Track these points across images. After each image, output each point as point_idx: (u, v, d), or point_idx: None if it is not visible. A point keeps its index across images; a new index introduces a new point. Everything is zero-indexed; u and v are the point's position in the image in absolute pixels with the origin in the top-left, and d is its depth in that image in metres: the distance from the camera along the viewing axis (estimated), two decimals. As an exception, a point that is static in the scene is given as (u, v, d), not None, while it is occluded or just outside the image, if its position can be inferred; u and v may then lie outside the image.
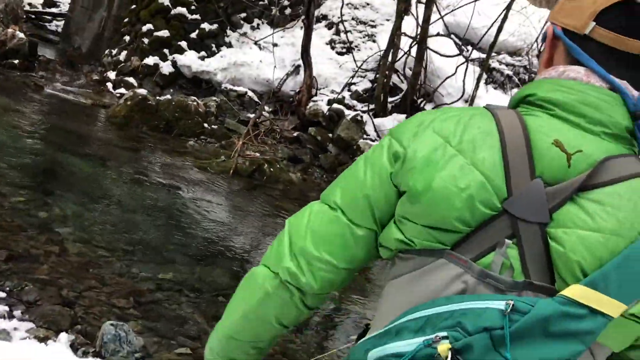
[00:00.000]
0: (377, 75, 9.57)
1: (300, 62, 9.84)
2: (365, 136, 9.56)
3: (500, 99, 9.58)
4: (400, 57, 9.59)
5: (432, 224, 0.90)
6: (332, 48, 10.69)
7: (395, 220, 0.96)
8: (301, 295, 1.04)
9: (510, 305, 0.80)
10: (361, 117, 9.37)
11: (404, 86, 9.61)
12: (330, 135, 9.48)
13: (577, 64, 0.94)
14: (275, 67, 9.93)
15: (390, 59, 9.28)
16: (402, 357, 0.84)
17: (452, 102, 9.18)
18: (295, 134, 9.55)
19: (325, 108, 9.54)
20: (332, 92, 9.94)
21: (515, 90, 9.67)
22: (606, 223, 0.85)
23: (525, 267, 0.86)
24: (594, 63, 0.92)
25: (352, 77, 9.93)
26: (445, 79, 9.28)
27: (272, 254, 1.08)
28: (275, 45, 10.37)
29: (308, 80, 9.64)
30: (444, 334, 0.82)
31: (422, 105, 9.52)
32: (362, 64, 9.91)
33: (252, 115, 9.41)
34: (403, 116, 9.35)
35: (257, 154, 8.26)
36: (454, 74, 9.10)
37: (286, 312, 1.06)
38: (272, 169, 8.01)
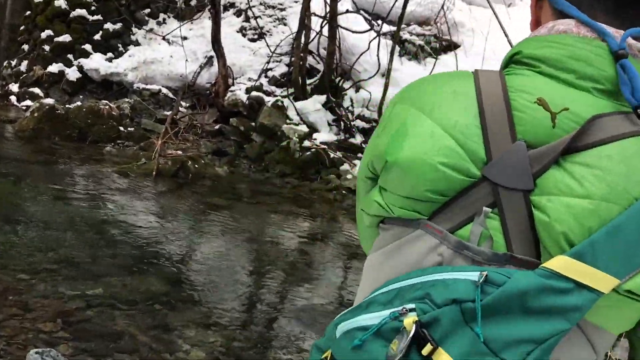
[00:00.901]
0: (293, 59, 9.49)
1: (213, 53, 9.61)
2: (288, 121, 9.48)
3: (415, 69, 9.72)
4: (313, 38, 9.54)
5: (407, 194, 0.83)
6: (244, 35, 10.51)
7: (379, 186, 0.89)
8: None
9: (484, 276, 0.72)
10: (282, 102, 9.28)
11: (321, 67, 9.58)
12: (253, 124, 9.34)
13: (562, 15, 0.86)
14: (187, 60, 9.66)
15: (303, 40, 9.22)
16: (368, 330, 0.78)
17: (370, 78, 9.24)
18: (216, 127, 9.36)
19: (244, 97, 9.38)
20: (249, 80, 9.78)
21: (429, 59, 9.83)
22: (595, 188, 0.75)
23: (507, 238, 0.77)
24: (576, 11, 0.83)
25: (268, 62, 9.81)
26: (359, 56, 9.32)
27: None
28: (184, 38, 10.09)
29: (223, 70, 9.44)
30: (412, 306, 0.76)
31: (340, 84, 9.53)
32: (275, 49, 9.80)
33: (169, 113, 9.13)
34: (323, 97, 9.33)
35: (179, 152, 8.03)
36: (368, 49, 9.14)
37: None
38: (196, 166, 7.82)
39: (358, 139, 9.69)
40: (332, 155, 9.01)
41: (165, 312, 3.76)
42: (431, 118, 0.82)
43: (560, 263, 0.72)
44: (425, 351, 0.72)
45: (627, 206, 0.73)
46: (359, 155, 9.21)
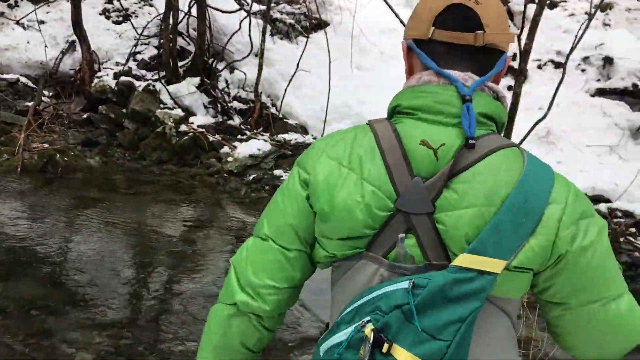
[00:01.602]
0: (162, 41, 9.17)
1: (75, 37, 9.05)
2: (162, 106, 9.18)
3: (288, 49, 9.77)
4: (182, 19, 9.27)
5: (344, 235, 1.07)
6: (108, 18, 9.98)
7: (317, 240, 1.13)
8: (258, 318, 1.19)
9: (412, 283, 0.97)
10: (153, 86, 8.96)
11: (192, 48, 9.35)
12: (124, 110, 8.95)
13: (425, 68, 1.10)
14: (46, 46, 9.03)
15: (171, 21, 8.92)
16: (341, 345, 1.01)
17: (243, 58, 9.17)
18: (84, 116, 8.87)
19: (112, 83, 8.95)
20: (117, 64, 9.34)
21: (300, 38, 9.91)
22: (476, 199, 1.01)
23: (424, 251, 1.03)
24: (430, 61, 1.08)
25: (135, 46, 9.41)
26: (231, 36, 9.20)
27: (225, 291, 1.22)
28: (41, 22, 9.40)
29: (87, 55, 8.93)
30: (368, 318, 1.00)
31: (214, 65, 9.37)
32: (142, 31, 9.42)
33: (30, 104, 8.51)
34: (197, 79, 9.14)
35: (46, 145, 7.54)
36: (239, 29, 9.05)
37: (249, 337, 1.21)
38: (66, 158, 7.39)
39: (236, 121, 9.61)
40: (210, 138, 8.88)
41: (43, 317, 3.57)
42: (351, 170, 1.07)
43: (462, 259, 0.98)
44: (384, 349, 0.96)
45: (500, 206, 1.00)
46: (239, 137, 9.15)
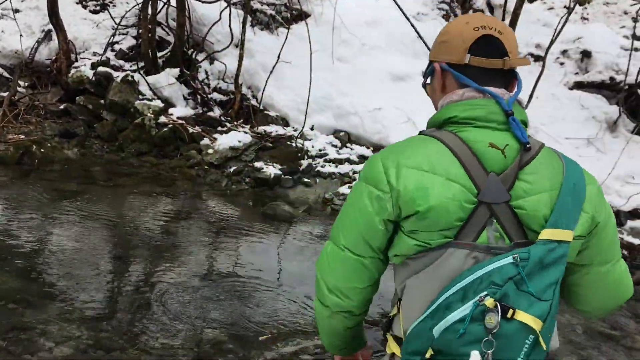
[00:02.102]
0: (140, 31, 9.05)
1: (51, 26, 8.89)
2: (141, 97, 9.08)
3: (268, 40, 9.70)
4: (161, 9, 9.16)
5: (442, 227, 1.27)
6: (85, 7, 9.82)
7: (405, 234, 1.31)
8: (350, 313, 1.45)
9: (517, 258, 1.20)
10: (132, 77, 8.85)
11: (172, 39, 9.24)
12: (102, 101, 8.83)
13: (464, 86, 1.36)
14: (21, 35, 8.85)
15: (150, 11, 8.81)
16: (465, 320, 1.20)
17: (223, 49, 9.09)
18: (61, 107, 8.72)
19: (90, 73, 8.82)
20: (94, 54, 9.20)
21: (281, 29, 9.84)
22: (544, 186, 1.28)
23: (507, 233, 1.28)
24: (471, 82, 1.34)
25: (113, 35, 9.27)
26: (211, 27, 9.11)
27: (318, 292, 1.47)
28: (16, 11, 9.21)
29: (64, 45, 8.78)
30: (485, 292, 1.20)
31: (193, 56, 9.28)
32: (120, 21, 9.28)
33: (5, 94, 8.35)
34: (177, 70, 9.06)
35: (22, 136, 7.42)
36: (219, 20, 8.96)
37: (349, 324, 1.48)
38: (42, 150, 7.28)
39: (216, 112, 9.53)
40: (190, 130, 8.80)
41: (21, 310, 3.51)
42: (435, 174, 1.27)
43: (547, 233, 1.23)
44: (509, 315, 1.18)
45: (559, 189, 1.28)
46: (219, 129, 9.09)
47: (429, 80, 1.47)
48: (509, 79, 1.39)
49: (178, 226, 5.84)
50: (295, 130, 9.03)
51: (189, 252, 5.08)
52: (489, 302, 1.19)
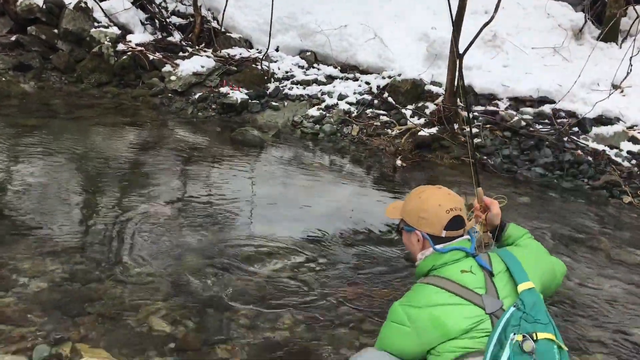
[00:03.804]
0: (89, -47, 8.55)
1: (-9, -49, 8.33)
2: (96, 24, 8.70)
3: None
4: None
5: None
6: None
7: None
8: None
9: (517, 304, 1.92)
10: (85, 3, 8.44)
11: (123, -40, 8.77)
12: (56, 31, 8.44)
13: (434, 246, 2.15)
14: (-40, -37, 8.29)
15: None
16: (510, 357, 1.77)
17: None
18: (12, 38, 8.32)
19: (40, 1, 8.37)
20: (42, -19, 8.70)
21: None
22: (502, 271, 2.06)
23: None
24: (444, 249, 2.11)
25: (61, -41, 8.75)
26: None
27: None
28: None
29: (8, -28, 8.27)
30: (512, 332, 1.80)
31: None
32: (67, -57, 8.73)
33: (-49, 27, 7.91)
34: (131, -6, 8.65)
35: (-27, 72, 7.08)
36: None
37: None
38: (-3, 85, 6.98)
39: (176, 37, 9.21)
40: (151, 57, 8.51)
41: (-10, 248, 3.45)
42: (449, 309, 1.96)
43: (521, 287, 1.98)
44: (535, 338, 1.80)
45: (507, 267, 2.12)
46: (180, 54, 8.80)
47: (406, 234, 2.22)
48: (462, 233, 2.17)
49: (146, 156, 5.73)
50: (259, 52, 8.80)
51: (160, 181, 5.02)
52: (518, 337, 1.75)
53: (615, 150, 7.09)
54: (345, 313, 3.12)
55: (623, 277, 4.19)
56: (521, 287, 1.92)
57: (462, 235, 2.13)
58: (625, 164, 6.93)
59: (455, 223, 2.11)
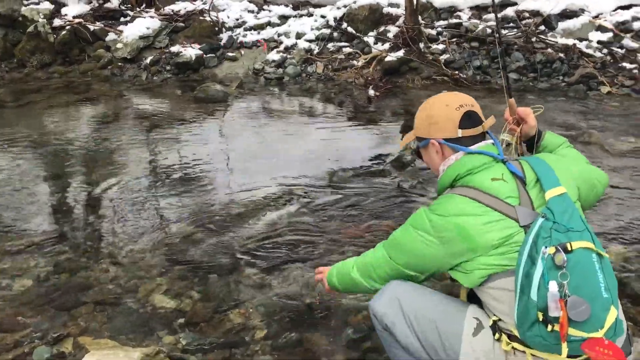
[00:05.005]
0: None
1: None
2: (26, 2, 8.14)
3: None
4: None
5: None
6: None
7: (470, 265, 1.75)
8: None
9: (544, 215, 1.63)
10: (8, -19, 7.84)
11: None
12: (-17, 16, 7.85)
13: (456, 151, 1.82)
14: None
15: None
16: (544, 273, 1.50)
17: None
18: (-61, 32, 7.73)
19: (-41, -13, 7.75)
20: (-43, -36, 8.05)
21: None
22: (534, 179, 1.77)
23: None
24: (466, 149, 1.81)
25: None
26: None
27: (364, 270, 1.97)
28: None
29: None
30: (544, 246, 1.54)
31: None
32: None
33: None
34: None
35: None
36: None
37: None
38: None
39: (114, 2, 8.67)
40: (91, 28, 8.01)
41: (-38, 254, 3.17)
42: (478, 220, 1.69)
43: (549, 193, 1.70)
44: (569, 248, 1.54)
45: (537, 171, 1.80)
46: (122, 20, 8.31)
47: (423, 151, 1.93)
48: (483, 133, 1.86)
49: (109, 131, 5.40)
50: (204, 4, 8.36)
51: (129, 154, 4.73)
52: (551, 249, 1.51)
53: (585, 42, 6.96)
54: (356, 254, 2.96)
55: (622, 165, 4.11)
56: (550, 194, 1.66)
57: (482, 136, 1.83)
58: (597, 54, 6.81)
59: (470, 120, 1.81)
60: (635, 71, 6.50)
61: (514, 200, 1.70)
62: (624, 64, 6.61)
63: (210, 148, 4.83)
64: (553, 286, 1.47)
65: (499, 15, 7.32)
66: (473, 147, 1.80)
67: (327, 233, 3.24)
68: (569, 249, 1.50)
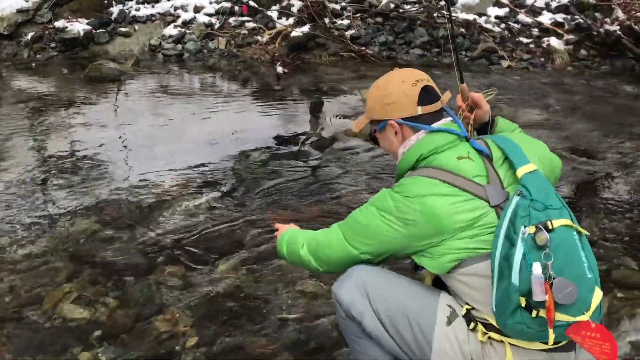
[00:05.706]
0: None
1: None
2: None
3: None
4: None
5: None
6: None
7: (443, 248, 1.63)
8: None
9: (520, 192, 1.51)
10: None
11: None
12: None
13: (417, 130, 1.70)
14: None
15: None
16: (526, 254, 1.39)
17: None
18: None
19: None
20: None
21: None
22: (500, 157, 1.67)
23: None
24: (427, 127, 1.68)
25: None
26: None
27: (309, 250, 1.78)
28: None
29: None
30: (522, 225, 1.43)
31: None
32: None
33: None
34: None
35: None
36: None
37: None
38: None
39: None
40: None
41: None
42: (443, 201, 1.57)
43: (522, 170, 1.59)
44: (550, 227, 1.43)
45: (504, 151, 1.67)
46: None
47: (380, 135, 1.77)
48: (441, 110, 1.73)
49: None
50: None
51: (12, 145, 4.21)
52: (530, 229, 1.38)
53: (484, 18, 7.11)
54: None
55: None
56: (521, 171, 1.53)
57: (440, 112, 1.69)
58: (496, 29, 6.99)
59: (428, 95, 1.67)
60: (532, 45, 6.73)
61: (483, 179, 1.56)
62: (521, 39, 6.82)
63: (107, 133, 4.42)
64: (537, 268, 1.34)
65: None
66: (434, 125, 1.67)
67: (251, 222, 3.01)
68: (550, 227, 1.38)
